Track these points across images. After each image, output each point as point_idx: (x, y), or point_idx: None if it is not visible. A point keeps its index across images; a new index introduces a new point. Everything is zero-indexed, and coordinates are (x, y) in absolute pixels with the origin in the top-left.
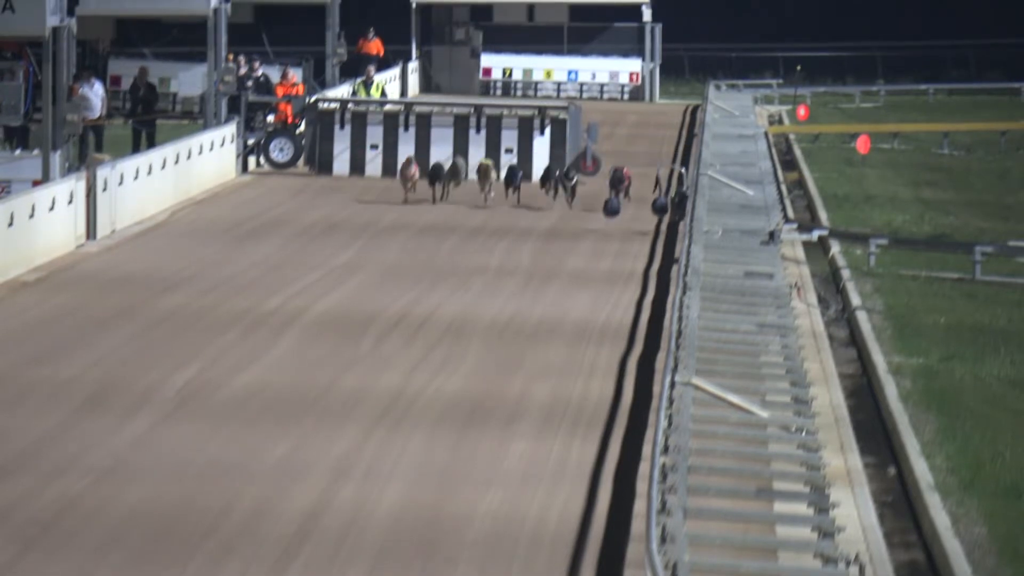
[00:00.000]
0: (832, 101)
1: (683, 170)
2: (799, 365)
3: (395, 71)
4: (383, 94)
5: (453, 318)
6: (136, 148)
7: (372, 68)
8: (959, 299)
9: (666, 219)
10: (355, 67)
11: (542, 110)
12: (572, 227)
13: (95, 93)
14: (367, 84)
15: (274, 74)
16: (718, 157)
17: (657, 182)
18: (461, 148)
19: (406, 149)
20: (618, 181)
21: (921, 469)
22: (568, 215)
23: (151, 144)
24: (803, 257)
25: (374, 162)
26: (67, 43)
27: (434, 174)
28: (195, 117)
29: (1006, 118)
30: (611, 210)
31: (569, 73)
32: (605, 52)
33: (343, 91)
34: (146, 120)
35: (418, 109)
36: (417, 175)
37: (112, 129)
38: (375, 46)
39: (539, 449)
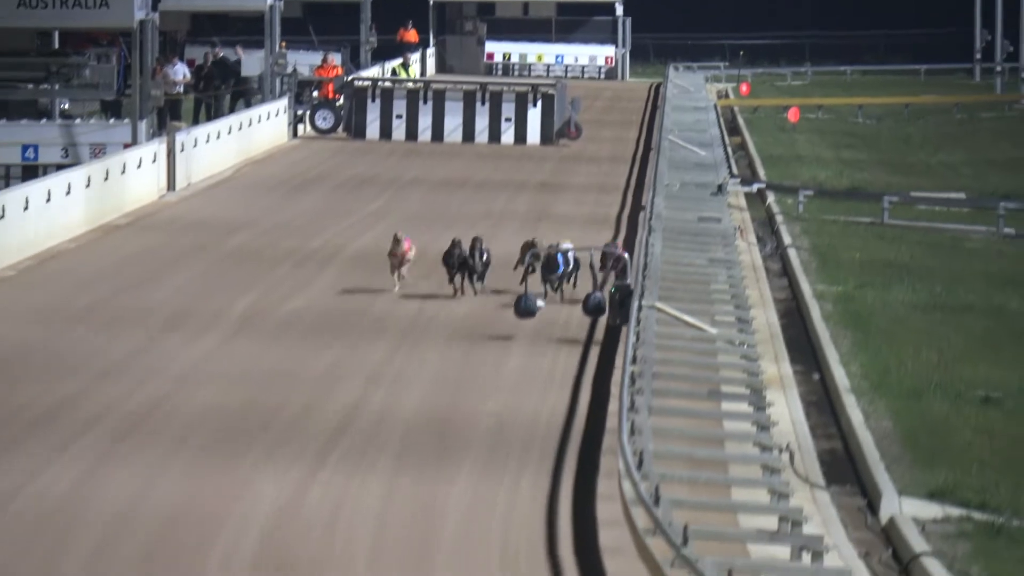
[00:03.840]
0: (769, 80)
1: (626, 256)
2: (742, 292)
3: (416, 55)
4: (415, 73)
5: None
6: (196, 117)
7: (409, 55)
8: (871, 239)
9: (603, 321)
10: (388, 52)
11: (535, 87)
12: (560, 180)
13: (176, 72)
14: (405, 66)
15: (316, 58)
16: (676, 125)
17: (592, 271)
18: (469, 118)
19: (425, 119)
20: (612, 259)
21: (839, 375)
22: (560, 169)
23: (209, 114)
24: (745, 205)
25: (399, 129)
26: (151, 33)
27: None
28: (255, 92)
29: (909, 94)
30: (524, 310)
31: (557, 57)
32: (586, 40)
33: (374, 71)
34: (208, 94)
35: (434, 86)
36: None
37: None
38: (413, 35)
39: (531, 361)
